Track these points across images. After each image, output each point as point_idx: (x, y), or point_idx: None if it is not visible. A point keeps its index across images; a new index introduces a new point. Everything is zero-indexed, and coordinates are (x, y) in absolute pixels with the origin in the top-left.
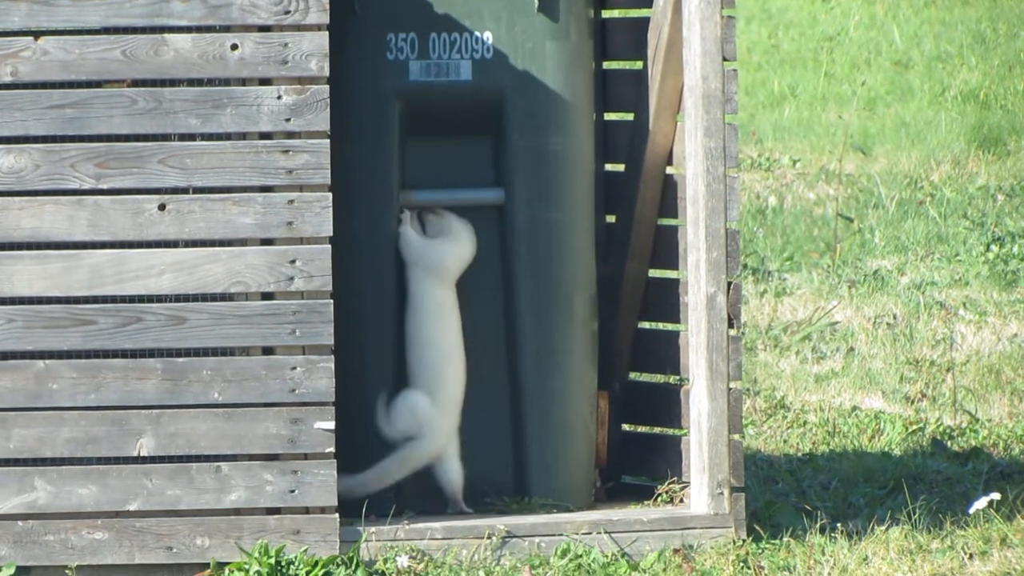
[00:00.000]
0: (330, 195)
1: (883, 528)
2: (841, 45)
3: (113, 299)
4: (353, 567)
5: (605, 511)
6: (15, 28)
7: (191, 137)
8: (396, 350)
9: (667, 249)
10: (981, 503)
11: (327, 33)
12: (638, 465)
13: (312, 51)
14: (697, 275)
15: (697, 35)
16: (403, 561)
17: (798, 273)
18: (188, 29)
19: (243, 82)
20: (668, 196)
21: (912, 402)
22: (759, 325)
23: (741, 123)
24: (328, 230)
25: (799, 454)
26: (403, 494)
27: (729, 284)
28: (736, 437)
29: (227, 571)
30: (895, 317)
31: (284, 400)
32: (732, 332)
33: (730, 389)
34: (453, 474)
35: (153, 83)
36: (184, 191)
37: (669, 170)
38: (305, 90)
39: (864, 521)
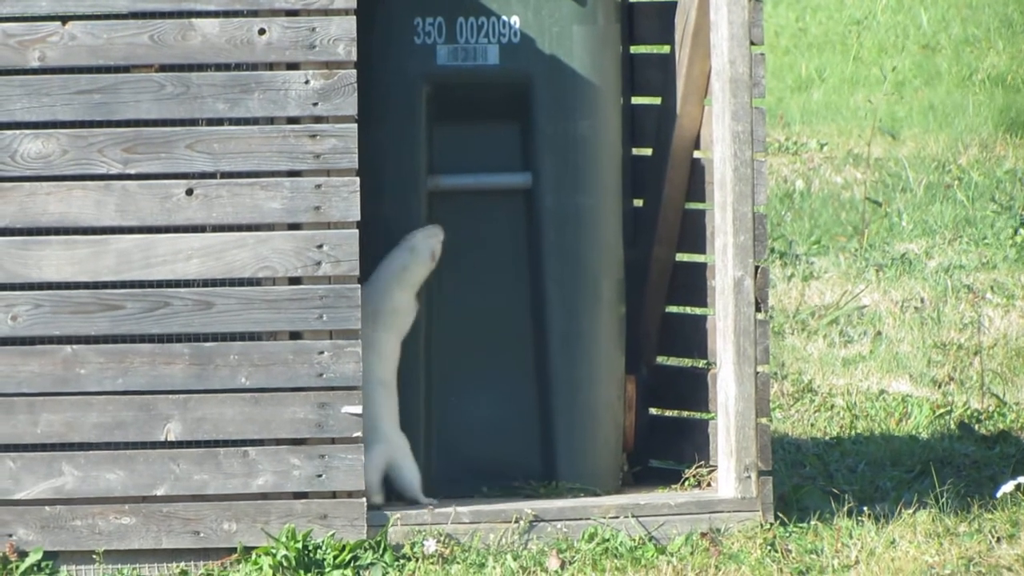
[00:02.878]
0: (358, 180)
1: (910, 511)
2: (869, 29)
3: (140, 284)
4: (380, 551)
5: (632, 495)
6: (43, 13)
7: (219, 122)
8: (424, 333)
9: (694, 233)
10: (1009, 487)
11: (355, 17)
12: (665, 449)
13: (340, 35)
14: (724, 259)
15: (724, 19)
16: (430, 545)
17: (826, 257)
18: (215, 14)
19: (271, 67)
20: (695, 180)
21: (939, 386)
22: (787, 309)
23: (769, 107)
24: (356, 215)
25: (826, 438)
26: (432, 479)
27: (756, 268)
28: (763, 421)
29: (254, 555)
30: (923, 301)
31: (311, 385)
32: (759, 316)
33: (757, 373)
34: (408, 474)
35: (181, 68)
36: (212, 176)
37: (696, 154)
38: (333, 75)
39: (891, 504)
